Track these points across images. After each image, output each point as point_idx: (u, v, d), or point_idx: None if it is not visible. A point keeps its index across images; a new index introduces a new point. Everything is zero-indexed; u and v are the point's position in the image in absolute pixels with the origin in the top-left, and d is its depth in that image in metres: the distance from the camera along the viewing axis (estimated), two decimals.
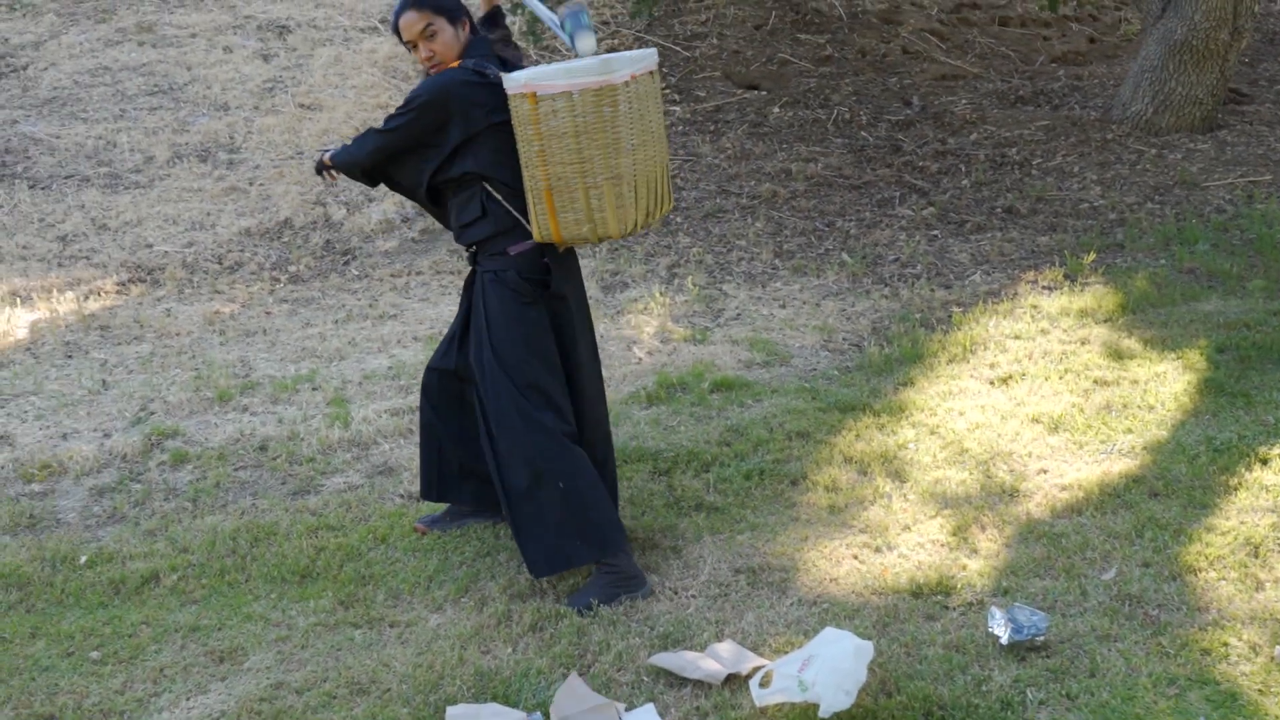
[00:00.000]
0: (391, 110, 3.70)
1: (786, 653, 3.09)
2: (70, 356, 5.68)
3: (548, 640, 3.25)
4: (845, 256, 6.74)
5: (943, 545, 3.65)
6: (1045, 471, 4.10)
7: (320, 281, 6.67)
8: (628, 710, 2.93)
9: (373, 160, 3.42)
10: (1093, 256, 6.43)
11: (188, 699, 3.10)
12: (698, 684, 3.02)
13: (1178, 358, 4.98)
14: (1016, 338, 5.37)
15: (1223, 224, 6.90)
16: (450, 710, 2.93)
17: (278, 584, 3.65)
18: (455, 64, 3.36)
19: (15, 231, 7.15)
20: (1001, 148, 8.25)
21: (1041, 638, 3.05)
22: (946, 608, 3.31)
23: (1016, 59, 10.02)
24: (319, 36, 9.66)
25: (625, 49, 9.46)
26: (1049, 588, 3.36)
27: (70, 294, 6.37)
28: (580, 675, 3.07)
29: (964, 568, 3.50)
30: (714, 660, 3.06)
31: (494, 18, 3.69)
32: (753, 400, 4.87)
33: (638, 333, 5.72)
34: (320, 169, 3.57)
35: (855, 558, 3.61)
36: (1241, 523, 3.62)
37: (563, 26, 3.37)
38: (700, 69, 9.31)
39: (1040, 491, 3.95)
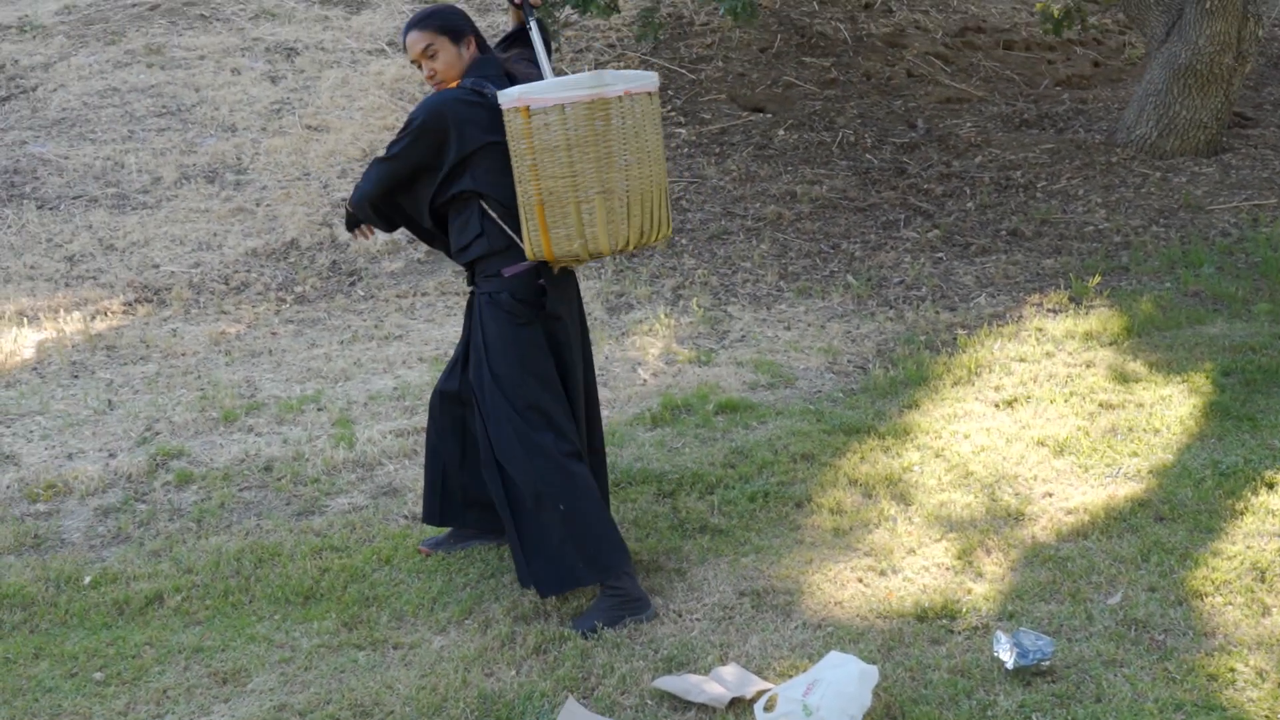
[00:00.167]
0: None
1: (791, 676, 3.08)
2: (76, 376, 5.69)
3: (551, 663, 3.24)
4: (850, 279, 6.75)
5: (948, 569, 3.64)
6: (1050, 495, 4.09)
7: (326, 302, 6.69)
8: None
9: (381, 189, 3.43)
10: (1098, 279, 6.43)
11: None
12: (702, 707, 3.01)
13: (1183, 381, 4.97)
14: (1021, 360, 5.37)
15: (1228, 247, 6.90)
16: None
17: (281, 605, 3.64)
18: (455, 83, 3.40)
19: (23, 251, 7.18)
20: (1006, 171, 8.27)
21: (1047, 663, 3.04)
22: (951, 632, 3.30)
23: (1021, 82, 10.05)
24: (326, 58, 9.72)
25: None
26: (1054, 612, 3.34)
27: (77, 314, 6.39)
28: (584, 698, 3.06)
29: (969, 591, 3.49)
30: (718, 684, 3.05)
31: (520, 35, 3.68)
32: (757, 422, 4.87)
33: (643, 354, 5.73)
34: (351, 226, 3.61)
35: (860, 581, 3.60)
36: (1248, 547, 3.61)
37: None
38: (705, 91, 9.35)
39: (1045, 515, 3.94)
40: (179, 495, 4.44)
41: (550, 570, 3.41)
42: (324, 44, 9.97)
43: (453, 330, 6.13)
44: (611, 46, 9.96)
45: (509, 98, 3.15)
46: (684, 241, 7.28)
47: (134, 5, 10.57)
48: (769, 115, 9.07)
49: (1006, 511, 3.98)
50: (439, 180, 3.36)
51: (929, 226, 7.44)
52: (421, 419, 4.97)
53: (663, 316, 6.15)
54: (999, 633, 3.14)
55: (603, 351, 5.74)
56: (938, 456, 4.43)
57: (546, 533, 3.40)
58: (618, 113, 3.15)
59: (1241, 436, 4.42)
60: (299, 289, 6.82)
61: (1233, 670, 3.04)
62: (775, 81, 9.56)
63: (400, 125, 3.58)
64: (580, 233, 3.18)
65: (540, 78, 3.41)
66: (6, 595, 3.72)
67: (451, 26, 3.41)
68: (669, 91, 9.30)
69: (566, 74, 3.49)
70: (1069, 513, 3.94)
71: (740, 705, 3.00)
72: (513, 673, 3.21)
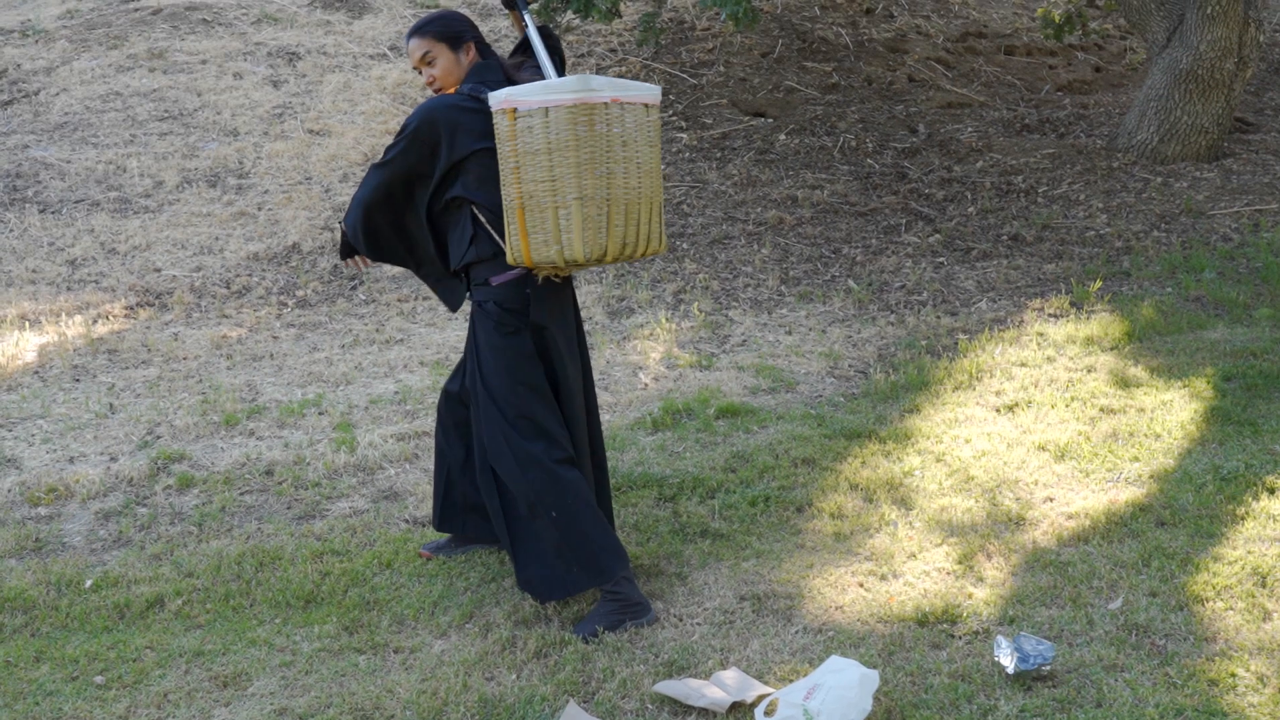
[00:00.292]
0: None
1: (792, 681, 3.08)
2: (78, 380, 5.69)
3: (552, 667, 3.24)
4: (851, 283, 6.75)
5: (949, 573, 3.64)
6: (1051, 500, 4.09)
7: (328, 306, 6.69)
8: None
9: (379, 196, 3.42)
10: (1099, 284, 6.44)
11: None
12: (702, 712, 3.01)
13: (1184, 386, 4.98)
14: (1023, 365, 5.37)
15: (1229, 252, 6.90)
16: None
17: (282, 609, 3.64)
18: (454, 89, 3.41)
19: (25, 255, 7.19)
20: (1007, 175, 8.27)
21: (1048, 667, 3.04)
22: (952, 636, 3.30)
23: (1022, 87, 10.06)
24: (328, 63, 9.73)
25: (633, 77, 9.52)
26: (1055, 617, 3.34)
27: (79, 318, 6.39)
28: (584, 703, 3.06)
29: (970, 596, 3.49)
30: (719, 688, 3.05)
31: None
32: (758, 427, 4.87)
33: (644, 359, 5.73)
34: (345, 254, 3.61)
35: (861, 585, 3.60)
36: (1249, 552, 3.61)
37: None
38: (707, 96, 9.36)
39: (1046, 520, 3.94)
40: (180, 499, 4.45)
41: (546, 577, 3.43)
42: (326, 48, 9.98)
43: (454, 334, 6.14)
44: (613, 51, 9.97)
45: (497, 99, 3.15)
46: (685, 246, 7.29)
47: (136, 10, 10.59)
48: (770, 120, 9.07)
49: (1007, 516, 3.98)
50: (433, 187, 3.36)
51: (930, 231, 7.44)
52: (423, 423, 4.98)
53: (664, 321, 6.15)
54: (1000, 637, 3.14)
55: (604, 356, 5.75)
56: (939, 461, 4.43)
57: (541, 539, 3.42)
58: (602, 120, 3.11)
59: (1243, 441, 4.42)
60: (300, 293, 6.82)
61: (1234, 675, 3.03)
62: (776, 86, 9.57)
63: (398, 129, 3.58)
64: (557, 238, 3.15)
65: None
66: (7, 599, 3.72)
67: (450, 33, 3.43)
68: (670, 96, 9.31)
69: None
70: (1070, 517, 3.94)
71: (741, 710, 3.00)
72: (513, 677, 3.21)
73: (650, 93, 3.28)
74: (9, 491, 4.50)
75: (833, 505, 4.11)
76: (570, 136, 3.09)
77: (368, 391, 5.44)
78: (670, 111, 9.10)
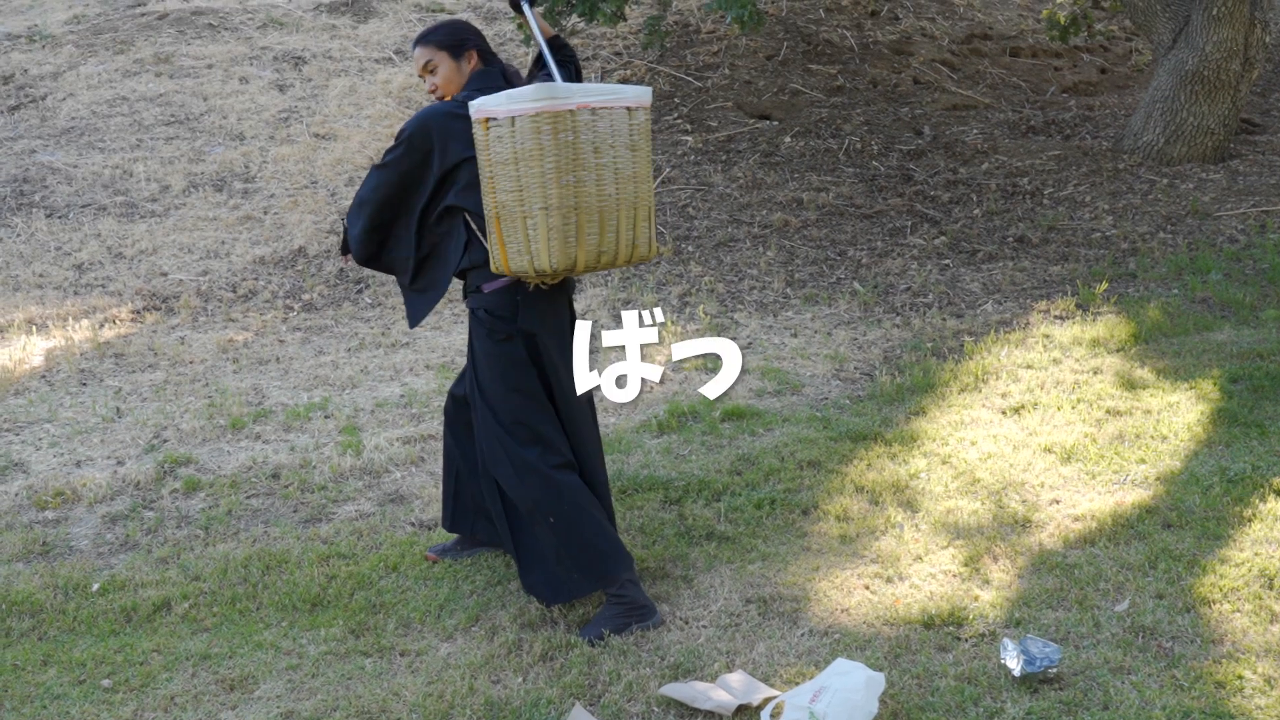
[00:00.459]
0: None
1: (798, 684, 3.08)
2: (85, 384, 5.71)
3: (558, 670, 3.24)
4: (857, 285, 6.75)
5: (955, 576, 3.63)
6: (1058, 502, 4.09)
7: (333, 310, 6.70)
8: None
9: (378, 196, 3.44)
10: (1105, 286, 6.43)
11: None
12: (708, 715, 3.01)
13: (1191, 388, 4.97)
14: (1029, 367, 5.36)
15: (1235, 254, 6.89)
16: None
17: (289, 612, 3.65)
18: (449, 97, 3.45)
19: (32, 260, 7.21)
20: (1013, 177, 8.27)
21: (1054, 670, 3.03)
22: (959, 639, 3.29)
23: (1028, 89, 10.05)
24: (334, 67, 9.75)
25: (638, 80, 9.53)
26: (1062, 619, 3.34)
27: (85, 322, 6.41)
28: (590, 706, 3.06)
29: (976, 599, 3.49)
30: (725, 691, 3.05)
31: (549, 46, 3.68)
32: (764, 429, 4.87)
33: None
34: (346, 249, 3.63)
35: (867, 588, 3.60)
36: (1256, 554, 3.60)
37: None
38: (712, 99, 9.36)
39: (1053, 522, 3.93)
40: (186, 502, 4.45)
41: (547, 581, 3.46)
42: (331, 53, 10.00)
43: (459, 337, 6.15)
44: (618, 54, 9.98)
45: (474, 109, 3.14)
46: (691, 249, 7.29)
47: (143, 15, 10.62)
48: (775, 122, 9.08)
49: (1013, 518, 3.98)
50: (428, 195, 3.37)
51: (936, 233, 7.44)
52: (428, 426, 4.98)
53: (669, 323, 6.16)
54: (1006, 640, 3.13)
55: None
56: (944, 463, 4.43)
57: (541, 544, 3.44)
58: (567, 127, 3.05)
59: (1249, 443, 4.41)
60: (306, 296, 6.83)
61: (1240, 677, 3.03)
62: (782, 89, 9.57)
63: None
64: (527, 248, 3.12)
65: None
66: (15, 602, 3.73)
67: (452, 42, 3.47)
68: (675, 99, 9.32)
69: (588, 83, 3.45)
70: (1076, 520, 3.93)
71: (747, 713, 3.00)
72: (519, 680, 3.21)
73: (635, 95, 3.21)
74: (16, 495, 4.51)
75: (838, 508, 4.11)
76: (534, 145, 3.04)
77: (373, 395, 5.45)
78: (675, 114, 9.11)
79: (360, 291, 6.93)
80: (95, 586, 3.82)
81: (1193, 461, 4.29)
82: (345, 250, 3.65)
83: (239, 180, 8.14)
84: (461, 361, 5.70)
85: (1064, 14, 10.12)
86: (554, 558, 3.43)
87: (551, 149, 3.04)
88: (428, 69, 3.47)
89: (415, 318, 3.55)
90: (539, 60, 3.63)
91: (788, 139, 8.78)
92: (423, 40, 3.49)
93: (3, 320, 6.43)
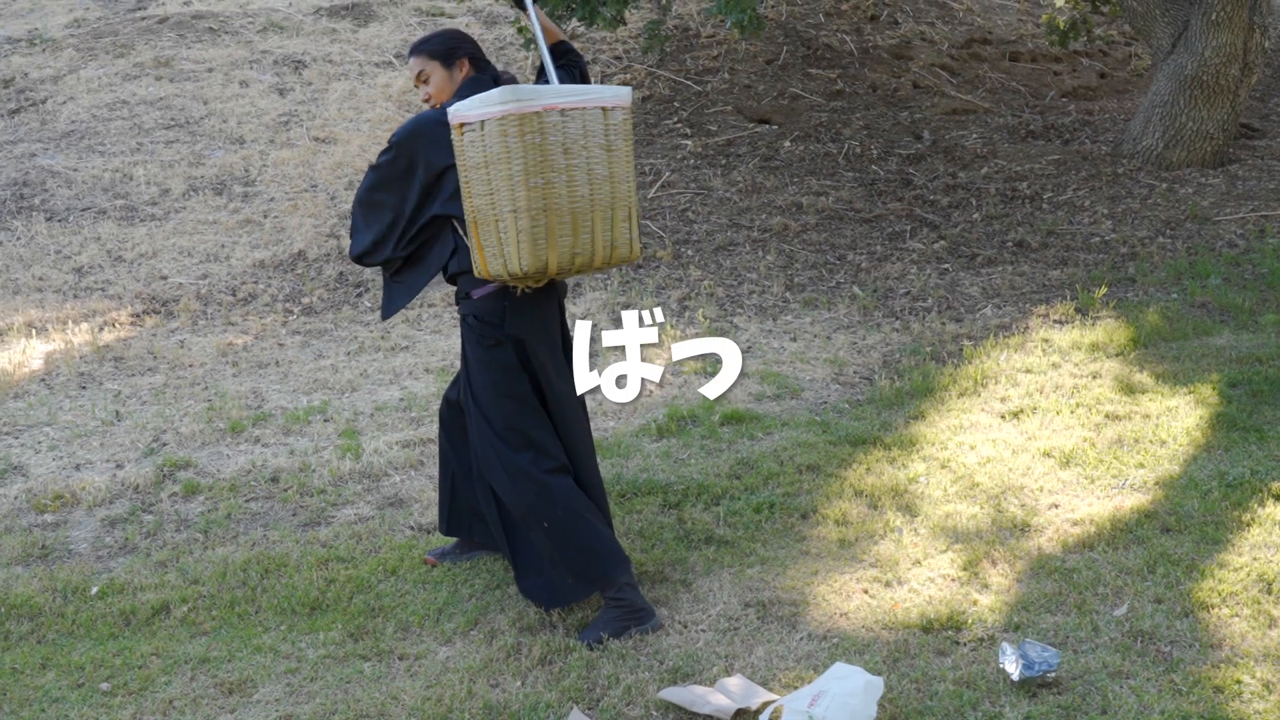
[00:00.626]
0: None
1: (796, 688, 3.08)
2: (84, 387, 5.71)
3: (557, 674, 3.24)
4: (856, 290, 6.76)
5: (953, 580, 3.63)
6: (1057, 506, 4.09)
7: (333, 313, 6.71)
8: None
9: (370, 197, 3.47)
10: (1104, 290, 6.43)
11: None
12: (707, 719, 3.00)
13: (1190, 392, 4.97)
14: (1028, 371, 5.36)
15: (1234, 258, 6.89)
16: None
17: (288, 616, 3.65)
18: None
19: (32, 263, 7.22)
20: (1012, 182, 8.28)
21: (1053, 674, 3.03)
22: (957, 643, 3.29)
23: (1027, 94, 10.06)
24: (334, 71, 9.76)
25: (637, 84, 9.54)
26: (1060, 623, 3.34)
27: (85, 325, 6.41)
28: (589, 710, 3.06)
29: (975, 603, 3.49)
30: (723, 695, 3.05)
31: (554, 52, 3.69)
32: (763, 433, 4.87)
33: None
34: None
35: (866, 592, 3.60)
36: (1254, 559, 3.60)
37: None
38: (712, 103, 9.37)
39: (1052, 526, 3.93)
40: (186, 506, 4.45)
41: (545, 585, 3.47)
42: (331, 56, 10.01)
43: (458, 341, 6.14)
44: (618, 59, 9.99)
45: (450, 114, 3.16)
46: (690, 253, 7.30)
47: (143, 19, 10.63)
48: (775, 127, 9.08)
49: (1012, 523, 3.98)
50: (416, 202, 3.39)
51: (935, 238, 7.45)
52: (428, 430, 4.98)
53: (669, 327, 6.16)
54: (1005, 644, 3.13)
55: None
56: (943, 468, 4.43)
57: (537, 549, 3.45)
58: (534, 129, 3.04)
59: (1248, 448, 4.41)
60: (306, 300, 6.84)
61: (1239, 682, 3.03)
62: (781, 93, 9.58)
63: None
64: (500, 252, 3.12)
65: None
66: (14, 605, 3.73)
67: (443, 51, 3.50)
68: (675, 103, 9.33)
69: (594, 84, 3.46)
70: (1075, 524, 3.93)
71: (746, 717, 3.00)
72: (518, 684, 3.21)
73: (612, 95, 3.20)
74: (15, 499, 4.51)
75: (837, 512, 4.11)
76: (501, 149, 3.04)
77: (373, 398, 5.45)
78: (675, 118, 9.12)
79: (360, 295, 6.93)
80: (94, 590, 3.82)
81: (1191, 466, 4.29)
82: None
83: (239, 184, 8.15)
84: (460, 364, 5.70)
85: (1063, 19, 10.14)
86: (548, 562, 3.44)
87: (519, 151, 3.03)
88: (421, 78, 3.51)
89: (385, 311, 3.58)
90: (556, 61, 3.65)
91: (787, 143, 8.79)
92: (416, 50, 3.53)
93: (2, 323, 6.43)
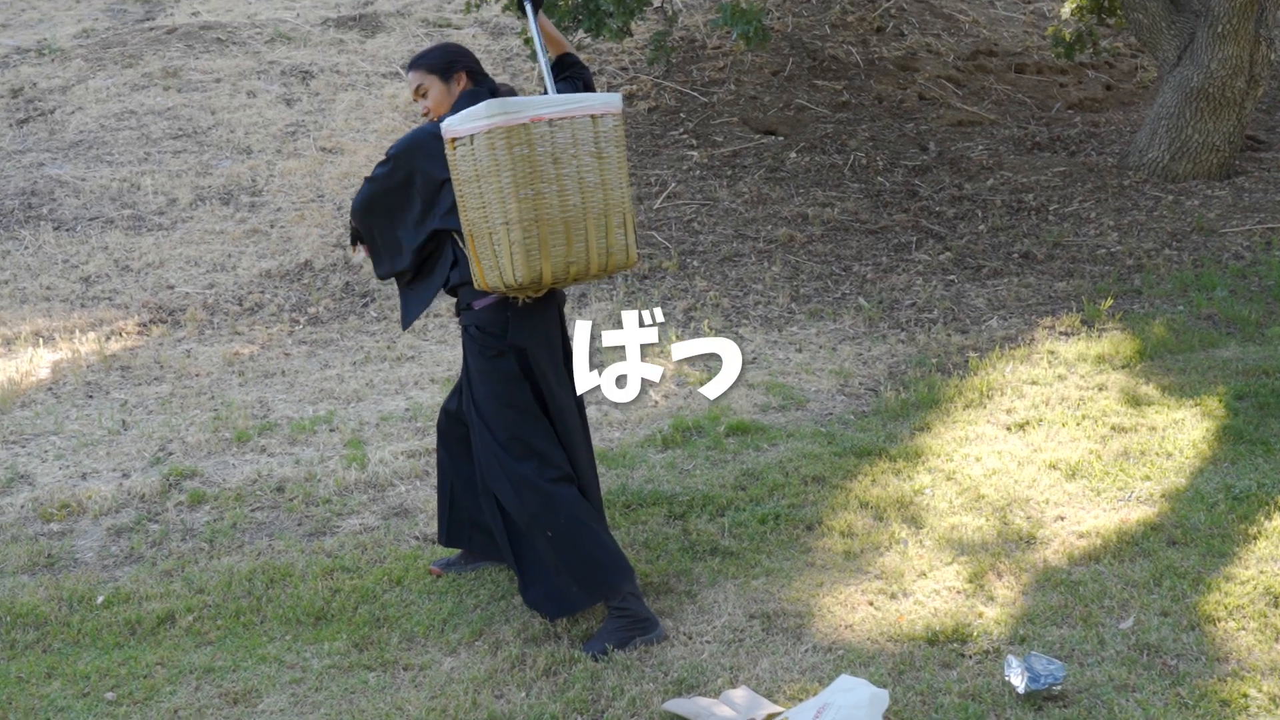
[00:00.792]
0: None
1: (801, 700, 3.08)
2: (91, 397, 5.72)
3: (561, 685, 3.24)
4: (862, 301, 6.76)
5: (959, 592, 3.63)
6: (1062, 518, 4.08)
7: (339, 323, 6.72)
8: None
9: (365, 208, 3.49)
10: (1110, 302, 6.43)
11: None
12: None
13: (1196, 404, 4.96)
14: (1033, 383, 5.36)
15: (1240, 270, 6.89)
16: None
17: (293, 626, 3.65)
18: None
19: (40, 272, 7.24)
20: (1018, 193, 8.28)
21: (1059, 687, 3.03)
22: (963, 656, 3.29)
23: (1033, 105, 10.07)
24: (341, 81, 9.79)
25: (643, 95, 9.56)
26: (1066, 636, 3.33)
27: (92, 334, 6.43)
28: None
29: (980, 615, 3.48)
30: (728, 707, 3.05)
31: (561, 65, 3.72)
32: (768, 444, 4.87)
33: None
34: (355, 239, 3.70)
35: (871, 604, 3.59)
36: (1261, 572, 3.59)
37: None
38: (718, 114, 9.39)
39: (1057, 539, 3.93)
40: (191, 515, 4.46)
41: (549, 595, 3.48)
42: (339, 67, 10.04)
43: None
44: (624, 70, 10.02)
45: (443, 129, 3.18)
46: (696, 264, 7.30)
47: (151, 29, 10.68)
48: (781, 138, 9.10)
49: (1018, 535, 3.97)
50: (418, 213, 3.41)
51: (941, 249, 7.45)
52: (433, 440, 4.98)
53: (674, 338, 6.16)
54: (1010, 657, 3.13)
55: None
56: (949, 479, 4.42)
57: (541, 559, 3.46)
58: (521, 141, 3.06)
59: (1255, 460, 4.40)
60: (312, 310, 6.85)
61: (1245, 696, 3.02)
62: (787, 104, 9.60)
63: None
64: (495, 264, 3.14)
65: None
66: (20, 614, 3.74)
67: (441, 65, 3.52)
68: (681, 114, 9.34)
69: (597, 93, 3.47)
70: (1081, 536, 3.93)
71: None
72: (522, 695, 3.21)
73: (601, 102, 3.21)
74: (22, 507, 4.52)
75: (843, 523, 4.11)
76: (490, 162, 3.06)
77: (379, 408, 5.46)
78: (681, 129, 9.13)
79: (366, 305, 6.95)
80: (100, 599, 3.82)
81: (1198, 478, 4.28)
82: (355, 240, 3.70)
83: (246, 194, 8.17)
84: None
85: (1069, 31, 10.14)
86: (553, 572, 3.44)
87: (507, 164, 3.05)
88: (419, 92, 3.53)
89: (405, 320, 3.63)
90: (557, 72, 3.66)
91: (793, 154, 8.80)
92: (414, 64, 3.55)
93: (10, 332, 6.45)
